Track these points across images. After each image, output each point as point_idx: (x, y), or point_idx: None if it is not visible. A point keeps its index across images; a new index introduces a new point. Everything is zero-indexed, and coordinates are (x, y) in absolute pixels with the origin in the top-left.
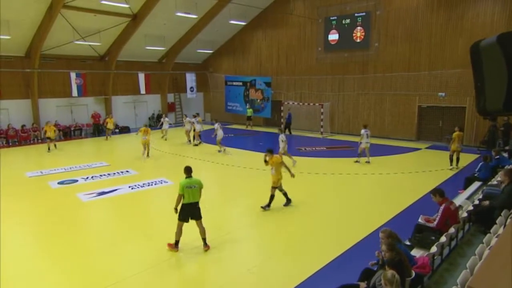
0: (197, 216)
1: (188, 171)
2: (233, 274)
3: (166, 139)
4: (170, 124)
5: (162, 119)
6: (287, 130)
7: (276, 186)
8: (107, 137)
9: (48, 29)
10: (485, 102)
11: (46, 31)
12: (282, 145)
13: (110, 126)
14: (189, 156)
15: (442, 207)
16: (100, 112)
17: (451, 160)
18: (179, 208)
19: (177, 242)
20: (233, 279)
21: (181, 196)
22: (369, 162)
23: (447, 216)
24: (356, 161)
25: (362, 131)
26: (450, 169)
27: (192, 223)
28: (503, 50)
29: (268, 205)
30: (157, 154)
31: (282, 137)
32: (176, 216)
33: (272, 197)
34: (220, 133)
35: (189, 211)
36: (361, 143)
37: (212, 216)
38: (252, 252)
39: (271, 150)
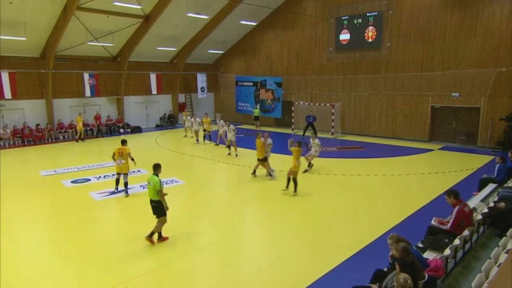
0: (154, 212)
1: (154, 167)
2: (243, 274)
3: (194, 138)
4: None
5: (185, 118)
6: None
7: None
8: (77, 140)
9: (62, 30)
10: None
11: (61, 33)
12: (230, 134)
13: (80, 126)
14: (199, 156)
15: (456, 209)
16: (113, 112)
17: (288, 181)
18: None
19: (158, 234)
20: (243, 278)
21: None
22: None
23: (461, 218)
24: None
25: None
26: (283, 190)
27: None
28: None
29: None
30: (170, 154)
31: (232, 127)
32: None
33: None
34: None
35: (151, 205)
36: None
37: (223, 215)
38: (263, 252)
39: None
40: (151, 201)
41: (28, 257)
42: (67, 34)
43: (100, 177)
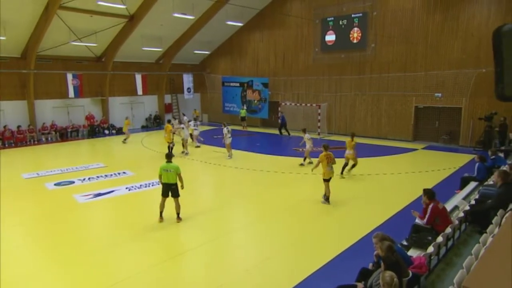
0: (174, 195)
1: (167, 156)
2: (231, 275)
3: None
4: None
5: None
6: (282, 131)
7: None
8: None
9: (44, 30)
10: (503, 88)
11: (42, 32)
12: (227, 137)
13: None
14: (188, 157)
15: (430, 206)
16: (97, 113)
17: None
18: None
19: (160, 213)
20: (231, 279)
21: (160, 177)
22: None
23: (436, 214)
24: None
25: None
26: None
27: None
28: None
29: None
30: (155, 155)
31: (225, 129)
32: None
33: None
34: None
35: (166, 189)
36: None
37: (211, 216)
38: (250, 253)
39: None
40: (171, 185)
41: (11, 259)
42: (49, 34)
43: (84, 179)
